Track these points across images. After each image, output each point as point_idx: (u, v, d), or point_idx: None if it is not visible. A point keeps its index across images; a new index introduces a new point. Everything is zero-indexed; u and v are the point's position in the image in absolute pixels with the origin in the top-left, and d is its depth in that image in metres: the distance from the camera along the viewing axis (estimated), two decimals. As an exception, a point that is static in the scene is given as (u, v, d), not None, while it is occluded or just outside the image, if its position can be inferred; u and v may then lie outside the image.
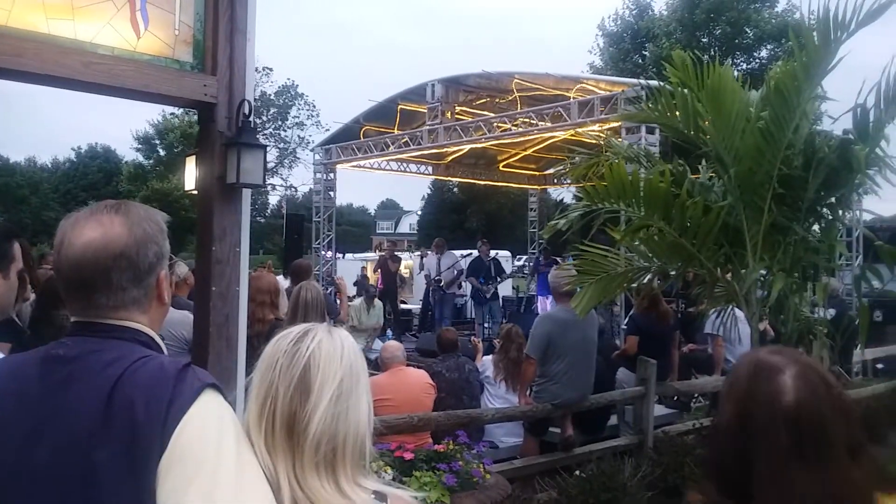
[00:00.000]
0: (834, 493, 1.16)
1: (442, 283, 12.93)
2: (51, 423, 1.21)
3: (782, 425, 1.20)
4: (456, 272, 13.13)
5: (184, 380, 1.22)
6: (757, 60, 28.37)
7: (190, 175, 3.49)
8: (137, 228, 1.35)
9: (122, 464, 1.14)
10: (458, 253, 14.26)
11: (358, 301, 10.61)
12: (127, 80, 2.92)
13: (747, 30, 28.17)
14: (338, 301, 7.06)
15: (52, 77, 2.81)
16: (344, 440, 1.31)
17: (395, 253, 15.77)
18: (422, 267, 14.38)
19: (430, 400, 5.30)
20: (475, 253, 13.87)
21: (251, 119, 3.23)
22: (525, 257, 19.94)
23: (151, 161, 43.00)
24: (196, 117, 3.56)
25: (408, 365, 5.67)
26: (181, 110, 38.20)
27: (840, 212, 4.99)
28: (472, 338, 8.69)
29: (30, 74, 2.76)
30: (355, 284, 15.61)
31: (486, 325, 12.80)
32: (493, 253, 13.82)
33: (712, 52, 23.57)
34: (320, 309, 4.62)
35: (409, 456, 3.79)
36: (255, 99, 3.34)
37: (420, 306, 14.86)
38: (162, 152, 42.11)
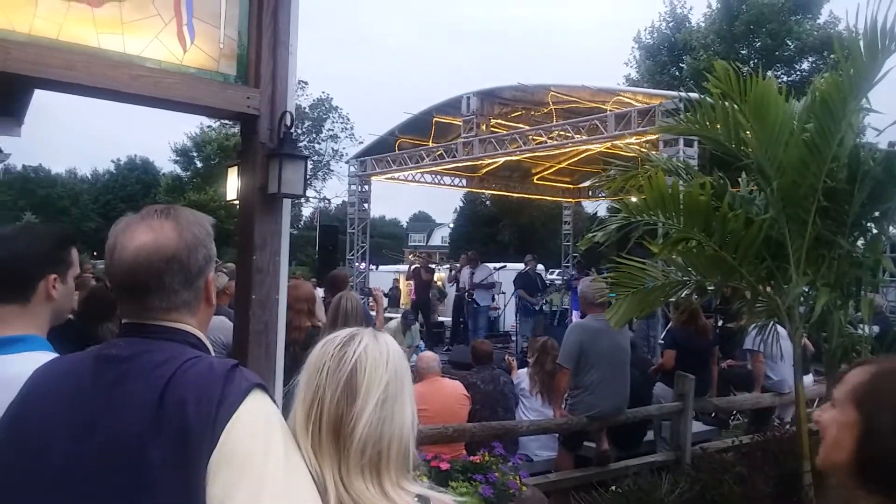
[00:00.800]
0: None
1: (474, 296, 12.92)
2: (103, 420, 1.23)
3: None
4: (491, 284, 13.13)
5: (233, 380, 1.24)
6: (798, 73, 27.94)
7: (232, 185, 3.55)
8: (187, 232, 1.38)
9: (173, 461, 1.16)
10: (491, 266, 14.25)
11: (394, 323, 10.61)
12: (173, 92, 2.98)
13: (788, 42, 27.76)
14: (374, 312, 7.10)
15: (102, 90, 2.87)
16: (389, 444, 1.32)
17: (430, 265, 15.78)
18: (452, 280, 14.38)
19: (465, 411, 5.29)
20: (508, 265, 13.86)
21: (292, 130, 3.27)
22: (559, 271, 19.84)
23: (189, 173, 43.70)
24: (233, 129, 3.62)
25: (442, 376, 5.67)
26: (218, 123, 38.91)
27: (885, 226, 4.88)
28: (507, 356, 8.65)
29: (80, 87, 2.83)
30: (386, 296, 15.65)
31: (522, 337, 12.75)
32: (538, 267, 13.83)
33: (752, 64, 23.30)
34: (360, 319, 4.65)
35: (445, 466, 3.79)
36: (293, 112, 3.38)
37: (451, 319, 14.84)
38: (199, 164, 42.78)
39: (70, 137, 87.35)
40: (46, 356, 1.64)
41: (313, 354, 1.39)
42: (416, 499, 1.32)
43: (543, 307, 13.15)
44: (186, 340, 1.36)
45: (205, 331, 1.45)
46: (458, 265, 14.81)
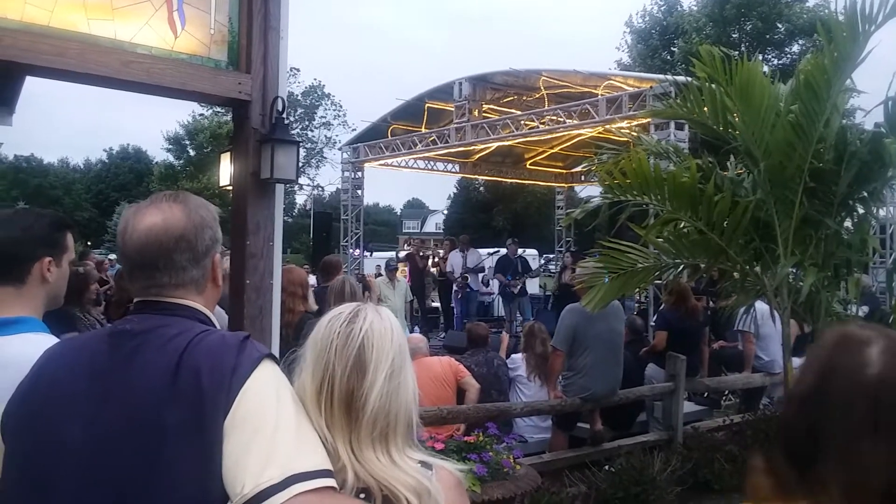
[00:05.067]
0: None
1: (468, 280, 12.99)
2: (121, 389, 1.30)
3: (861, 398, 1.15)
4: (480, 268, 13.23)
5: (244, 350, 1.31)
6: (788, 56, 27.95)
7: (224, 171, 3.58)
8: (195, 214, 1.46)
9: (190, 425, 1.23)
10: (483, 251, 14.28)
11: (381, 278, 10.65)
12: (164, 78, 3.00)
13: (779, 25, 27.74)
14: (368, 299, 7.14)
15: (93, 76, 2.89)
16: (396, 415, 1.38)
17: (424, 252, 15.83)
18: (437, 265, 14.43)
19: (450, 391, 5.32)
20: (502, 251, 13.91)
21: (284, 116, 3.30)
22: (553, 256, 19.89)
23: (182, 161, 43.51)
24: (226, 117, 3.64)
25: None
26: (210, 111, 38.71)
27: (872, 206, 4.93)
28: (503, 333, 8.73)
29: (72, 73, 2.85)
30: (379, 276, 15.71)
31: (515, 321, 12.83)
32: (518, 251, 13.86)
33: (743, 48, 23.31)
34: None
35: (439, 446, 3.84)
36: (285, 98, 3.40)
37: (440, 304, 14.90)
38: (192, 153, 42.59)
39: (62, 127, 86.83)
40: (44, 338, 1.68)
41: (319, 332, 1.44)
42: (419, 464, 1.38)
43: (524, 290, 13.19)
44: (196, 317, 1.44)
45: (212, 310, 1.52)
46: (441, 251, 14.85)
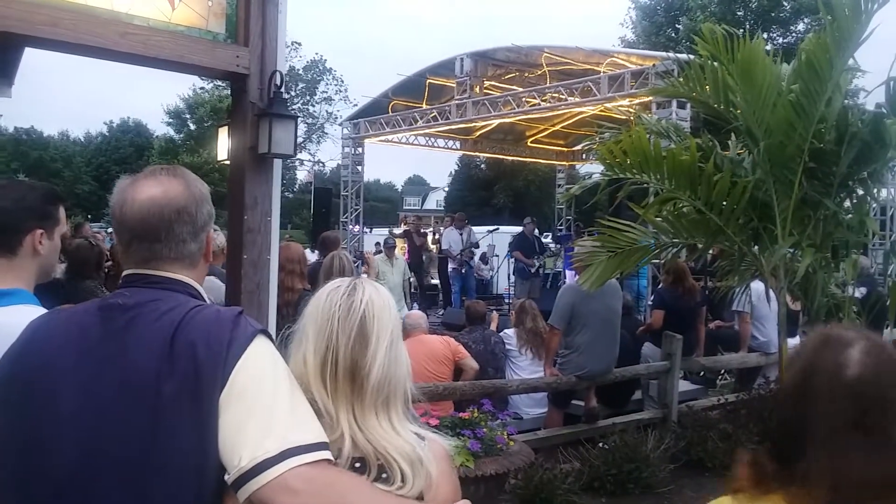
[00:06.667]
0: (889, 474, 1.15)
1: (472, 256, 13.02)
2: (115, 362, 1.30)
3: (843, 397, 1.19)
4: (475, 244, 13.25)
5: (238, 325, 1.33)
6: (794, 34, 27.65)
7: (222, 145, 3.56)
8: (194, 188, 1.47)
9: (185, 397, 1.25)
10: (485, 228, 14.27)
11: (380, 255, 10.64)
12: (161, 50, 2.97)
13: (784, 3, 27.44)
14: (365, 275, 7.15)
15: (88, 47, 2.86)
16: (396, 384, 1.43)
17: (423, 230, 15.81)
18: (435, 242, 14.41)
19: (446, 371, 5.34)
20: (501, 228, 13.90)
21: (282, 90, 3.28)
22: (550, 235, 19.87)
23: (182, 135, 43.31)
24: (227, 91, 3.62)
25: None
26: (211, 85, 38.46)
27: (872, 187, 4.93)
28: (493, 311, 8.76)
29: (65, 44, 2.82)
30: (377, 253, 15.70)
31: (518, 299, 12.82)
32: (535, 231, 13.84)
33: (747, 26, 23.08)
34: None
35: (434, 422, 3.87)
36: (284, 73, 3.38)
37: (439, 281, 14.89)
38: (192, 127, 42.35)
39: (62, 99, 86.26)
40: (34, 310, 1.68)
41: (318, 305, 1.46)
42: (414, 435, 1.42)
43: (540, 270, 13.19)
44: (188, 291, 1.44)
45: (202, 284, 1.52)
46: (441, 228, 14.81)
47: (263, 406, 1.25)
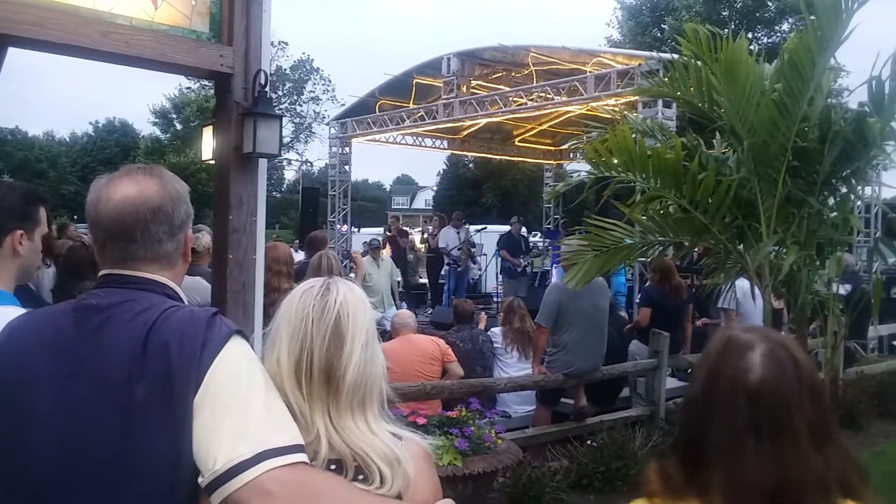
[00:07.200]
0: (787, 477, 1.14)
1: (473, 253, 13.08)
2: (88, 363, 1.29)
3: (743, 402, 1.18)
4: (471, 242, 13.31)
5: (213, 326, 1.31)
6: (778, 34, 27.86)
7: (207, 145, 3.54)
8: (170, 187, 1.45)
9: (158, 398, 1.24)
10: (473, 228, 14.29)
11: (367, 257, 10.61)
12: (144, 50, 2.95)
13: (769, 3, 27.64)
14: (353, 275, 7.15)
15: (72, 47, 2.84)
16: (372, 383, 1.42)
17: (403, 228, 15.87)
18: (425, 242, 14.41)
19: (434, 370, 5.33)
20: (489, 227, 13.94)
21: (267, 89, 3.27)
22: (538, 234, 19.93)
23: (168, 135, 43.06)
24: (212, 91, 3.60)
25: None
26: (197, 84, 38.26)
27: (855, 185, 4.97)
28: (482, 313, 8.76)
29: (51, 44, 2.80)
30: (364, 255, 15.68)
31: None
32: (522, 230, 13.90)
33: (733, 26, 23.21)
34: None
35: (422, 421, 3.88)
36: (270, 73, 3.37)
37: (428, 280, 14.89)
38: (178, 126, 42.11)
39: (47, 99, 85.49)
40: (14, 310, 1.66)
41: (291, 305, 1.44)
42: (391, 435, 1.41)
43: (526, 269, 13.24)
44: (164, 292, 1.42)
45: (180, 285, 1.51)
46: (430, 228, 14.83)
47: (238, 408, 1.24)
